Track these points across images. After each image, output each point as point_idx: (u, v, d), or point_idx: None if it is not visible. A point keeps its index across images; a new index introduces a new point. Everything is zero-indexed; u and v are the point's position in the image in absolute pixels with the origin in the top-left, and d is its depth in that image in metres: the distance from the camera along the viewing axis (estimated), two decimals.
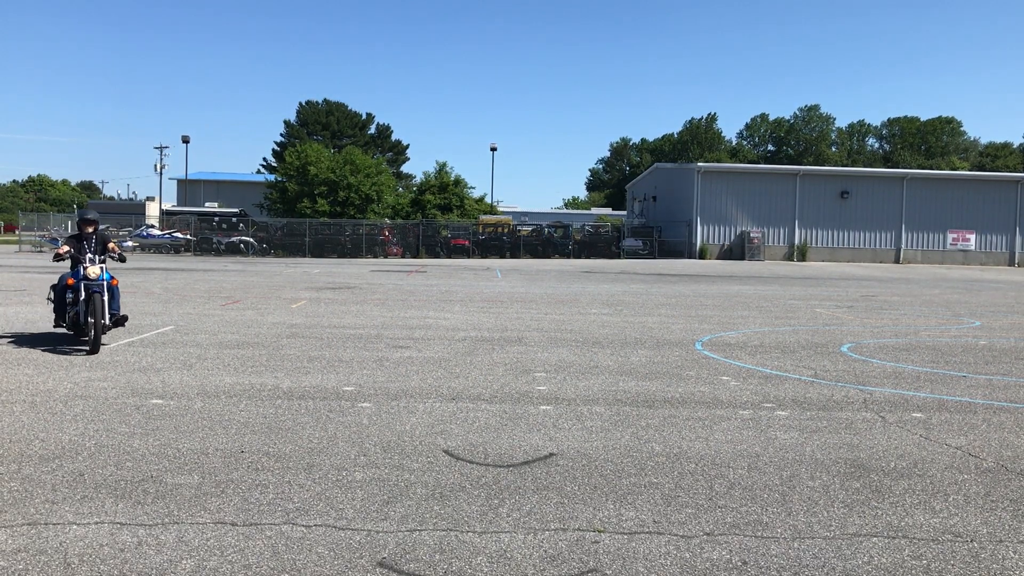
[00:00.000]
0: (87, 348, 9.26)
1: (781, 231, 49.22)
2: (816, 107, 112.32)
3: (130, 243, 43.04)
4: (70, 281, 9.50)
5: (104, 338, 9.52)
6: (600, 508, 4.40)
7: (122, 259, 10.10)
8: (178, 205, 63.53)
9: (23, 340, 10.23)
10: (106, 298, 9.49)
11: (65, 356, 9.07)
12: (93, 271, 9.44)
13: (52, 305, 9.91)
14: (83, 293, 9.35)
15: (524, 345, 10.58)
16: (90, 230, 9.84)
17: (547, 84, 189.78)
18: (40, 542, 3.80)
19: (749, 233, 48.43)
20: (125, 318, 10.07)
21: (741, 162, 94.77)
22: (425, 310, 15.11)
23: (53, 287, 9.93)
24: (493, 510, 4.35)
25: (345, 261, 39.85)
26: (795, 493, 4.72)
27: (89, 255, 9.57)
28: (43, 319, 12.50)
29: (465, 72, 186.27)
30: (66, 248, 9.73)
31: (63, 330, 10.09)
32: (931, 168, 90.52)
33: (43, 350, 9.44)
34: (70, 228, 52.90)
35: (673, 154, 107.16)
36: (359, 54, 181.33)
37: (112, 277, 9.72)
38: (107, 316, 9.52)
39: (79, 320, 9.40)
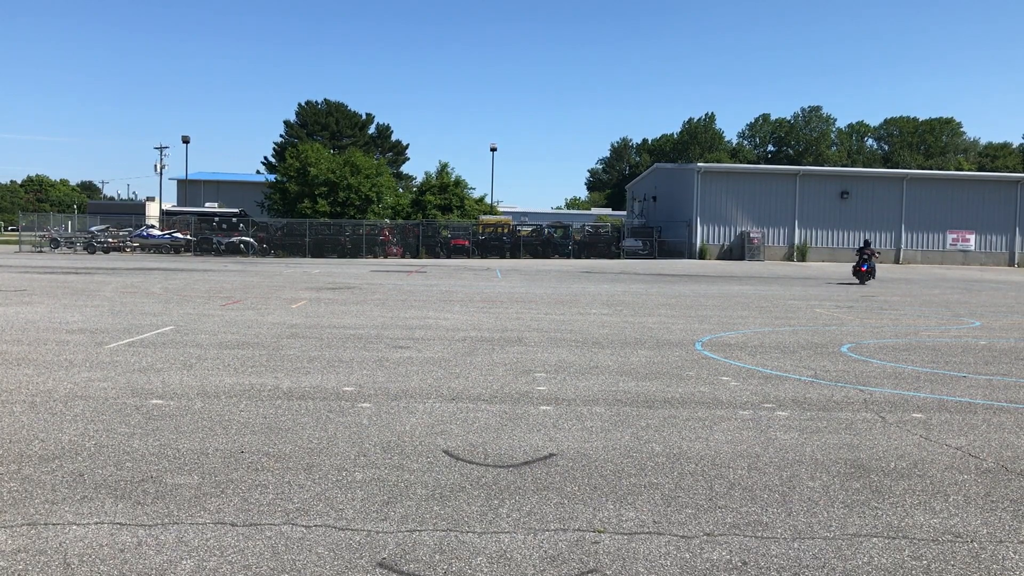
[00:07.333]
0: None
1: (781, 231, 49.23)
2: (818, 108, 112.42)
3: None
4: None
5: (104, 337, 9.50)
6: (600, 508, 4.40)
7: None
8: (178, 205, 63.56)
9: None
10: None
11: (65, 356, 9.07)
12: None
13: None
14: None
15: (524, 345, 10.58)
16: None
17: (547, 84, 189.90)
18: (40, 542, 3.80)
19: (749, 233, 48.43)
20: None
21: (741, 162, 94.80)
22: (425, 310, 15.11)
23: None
24: (493, 510, 4.34)
25: (345, 261, 39.86)
26: (795, 493, 4.72)
27: None
28: (43, 319, 12.49)
29: (465, 72, 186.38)
30: None
31: None
32: (933, 168, 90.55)
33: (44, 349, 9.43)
34: (70, 228, 52.98)
35: (673, 154, 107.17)
36: (359, 54, 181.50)
37: None
38: None
39: None
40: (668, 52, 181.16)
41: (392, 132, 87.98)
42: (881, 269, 38.86)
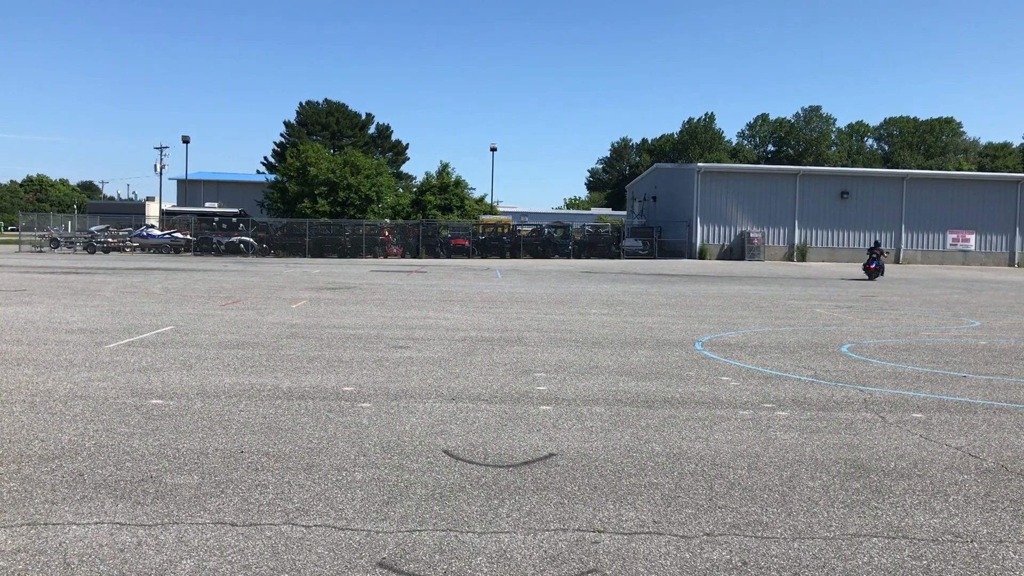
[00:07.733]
0: None
1: (781, 231, 49.23)
2: (818, 108, 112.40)
3: None
4: None
5: (104, 337, 9.50)
6: (600, 508, 4.40)
7: None
8: (178, 205, 63.55)
9: None
10: None
11: (65, 356, 9.07)
12: None
13: None
14: None
15: (524, 345, 10.58)
16: None
17: (547, 84, 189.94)
18: (40, 542, 3.80)
19: (749, 233, 48.43)
20: None
21: (742, 162, 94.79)
22: (425, 310, 15.11)
23: None
24: (493, 510, 4.34)
25: (345, 261, 39.86)
26: (795, 493, 4.72)
27: None
28: (43, 319, 12.50)
29: (465, 72, 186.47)
30: None
31: None
32: (933, 168, 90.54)
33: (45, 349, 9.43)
34: (70, 228, 52.98)
35: (673, 154, 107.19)
36: (359, 54, 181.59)
37: None
38: None
39: None
40: (668, 52, 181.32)
41: (392, 132, 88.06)
42: None
